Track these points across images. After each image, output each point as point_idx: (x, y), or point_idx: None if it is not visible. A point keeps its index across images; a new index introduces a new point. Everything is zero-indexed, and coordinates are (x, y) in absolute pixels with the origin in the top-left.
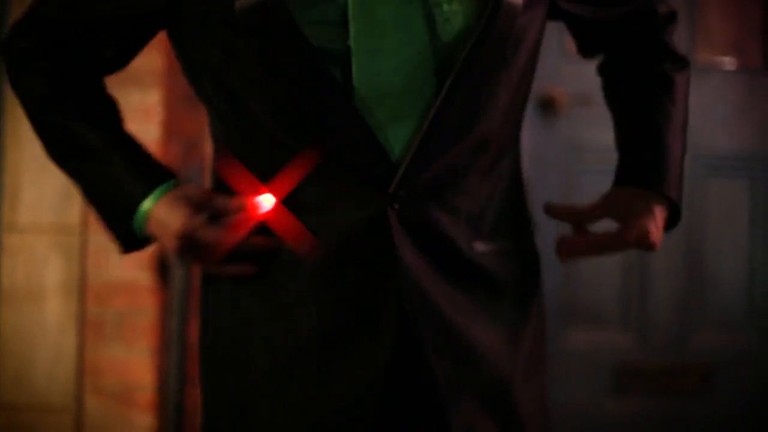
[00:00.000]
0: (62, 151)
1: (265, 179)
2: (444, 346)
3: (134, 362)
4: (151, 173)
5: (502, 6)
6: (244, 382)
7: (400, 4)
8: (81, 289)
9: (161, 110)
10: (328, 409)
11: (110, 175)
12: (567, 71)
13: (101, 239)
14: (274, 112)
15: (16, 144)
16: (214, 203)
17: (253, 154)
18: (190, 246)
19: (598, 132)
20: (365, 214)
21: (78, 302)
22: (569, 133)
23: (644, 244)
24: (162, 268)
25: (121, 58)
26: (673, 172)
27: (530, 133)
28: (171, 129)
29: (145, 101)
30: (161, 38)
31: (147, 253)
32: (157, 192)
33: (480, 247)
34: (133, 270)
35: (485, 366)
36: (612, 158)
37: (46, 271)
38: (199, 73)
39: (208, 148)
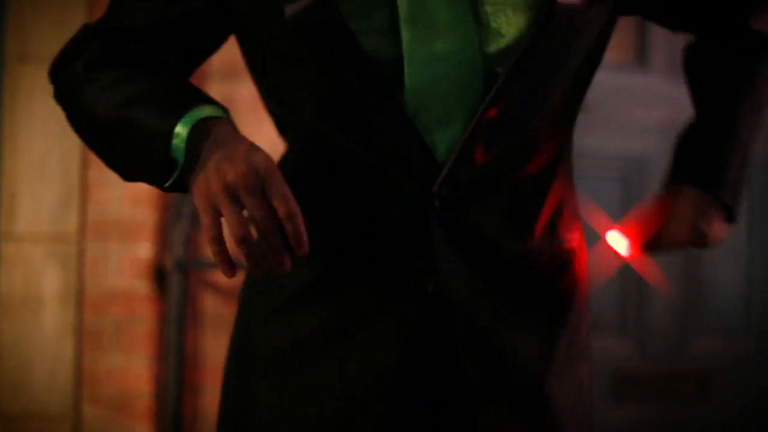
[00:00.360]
0: (100, 101)
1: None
2: (477, 347)
3: (132, 371)
4: (195, 96)
5: (555, 15)
6: (246, 385)
7: (451, 12)
8: (78, 298)
9: None
10: (333, 400)
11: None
12: None
13: (98, 247)
14: (325, 115)
15: (13, 153)
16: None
17: (308, 156)
18: (249, 202)
19: (595, 139)
20: (405, 211)
21: (75, 311)
22: None
23: (701, 244)
24: (159, 277)
25: (186, 64)
26: (731, 175)
27: None
28: None
29: None
30: None
31: (144, 262)
32: (196, 112)
33: (522, 246)
34: (130, 279)
35: (518, 368)
36: (608, 165)
37: (43, 280)
38: (258, 78)
39: None
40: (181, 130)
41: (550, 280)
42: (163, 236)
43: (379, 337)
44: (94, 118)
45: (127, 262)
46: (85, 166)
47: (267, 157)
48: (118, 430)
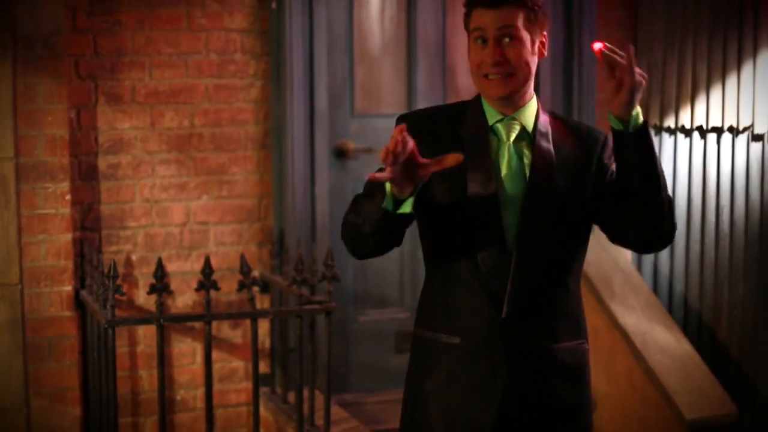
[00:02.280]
0: (353, 215)
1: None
2: (527, 397)
3: (64, 372)
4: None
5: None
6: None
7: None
8: (23, 325)
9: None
10: (467, 405)
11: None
12: (354, 128)
13: (34, 289)
14: (464, 257)
15: None
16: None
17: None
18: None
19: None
20: (492, 317)
21: (21, 334)
22: (359, 172)
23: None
24: (78, 306)
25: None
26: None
27: (329, 174)
28: (74, 200)
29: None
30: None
31: (66, 296)
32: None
33: (556, 345)
34: (58, 309)
35: (551, 407)
36: None
37: None
38: (427, 239)
39: (101, 209)
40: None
41: (572, 369)
42: (77, 278)
43: (488, 382)
44: (348, 224)
45: (55, 297)
46: (20, 234)
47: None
48: (57, 415)
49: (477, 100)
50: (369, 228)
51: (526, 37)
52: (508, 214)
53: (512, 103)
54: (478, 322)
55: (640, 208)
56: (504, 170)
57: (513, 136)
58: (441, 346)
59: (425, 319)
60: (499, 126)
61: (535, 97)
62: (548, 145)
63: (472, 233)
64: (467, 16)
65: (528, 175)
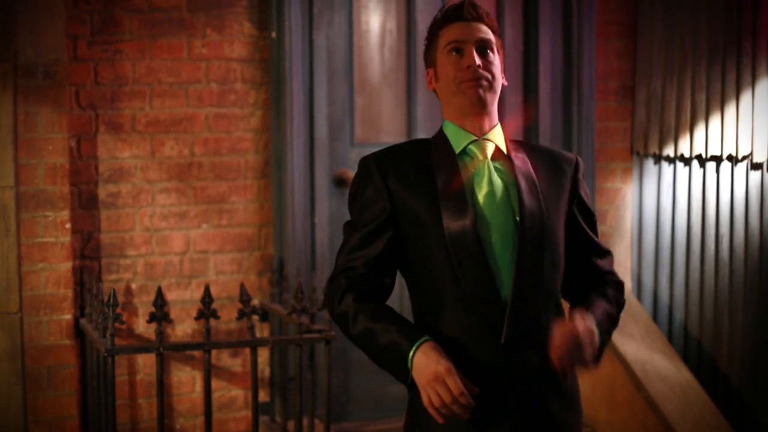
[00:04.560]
0: (366, 342)
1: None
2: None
3: (63, 401)
4: (412, 334)
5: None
6: None
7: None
8: (22, 354)
9: (69, 220)
10: None
11: (391, 342)
12: (354, 157)
13: (33, 318)
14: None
15: None
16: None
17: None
18: (441, 392)
19: None
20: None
21: (21, 363)
22: None
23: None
24: (79, 334)
25: (392, 277)
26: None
27: (329, 202)
28: (75, 229)
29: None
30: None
31: (66, 325)
32: (417, 343)
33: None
34: (57, 338)
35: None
36: None
37: None
38: (409, 275)
39: (101, 238)
40: (411, 356)
41: (567, 392)
42: (77, 306)
43: (494, 410)
44: (352, 336)
45: (54, 326)
46: (20, 262)
47: (447, 366)
48: None
49: (440, 134)
50: (370, 357)
51: (497, 56)
52: (492, 235)
53: (482, 124)
54: (475, 350)
55: None
56: (485, 188)
57: (489, 153)
58: None
59: None
60: (473, 147)
61: (499, 124)
62: (526, 165)
63: (455, 263)
64: (435, 37)
65: (513, 197)
